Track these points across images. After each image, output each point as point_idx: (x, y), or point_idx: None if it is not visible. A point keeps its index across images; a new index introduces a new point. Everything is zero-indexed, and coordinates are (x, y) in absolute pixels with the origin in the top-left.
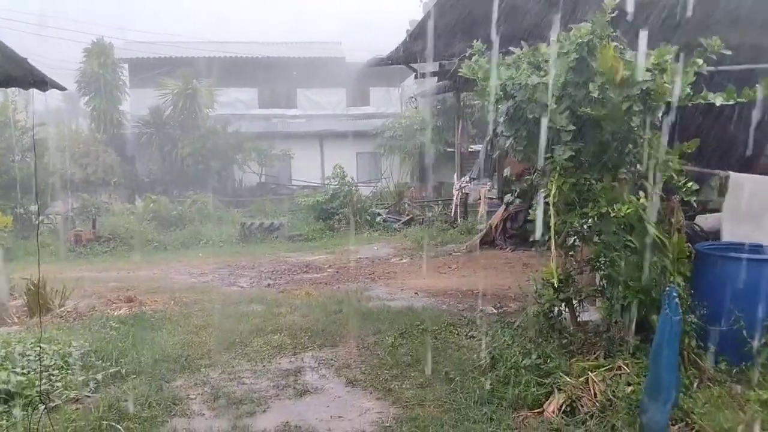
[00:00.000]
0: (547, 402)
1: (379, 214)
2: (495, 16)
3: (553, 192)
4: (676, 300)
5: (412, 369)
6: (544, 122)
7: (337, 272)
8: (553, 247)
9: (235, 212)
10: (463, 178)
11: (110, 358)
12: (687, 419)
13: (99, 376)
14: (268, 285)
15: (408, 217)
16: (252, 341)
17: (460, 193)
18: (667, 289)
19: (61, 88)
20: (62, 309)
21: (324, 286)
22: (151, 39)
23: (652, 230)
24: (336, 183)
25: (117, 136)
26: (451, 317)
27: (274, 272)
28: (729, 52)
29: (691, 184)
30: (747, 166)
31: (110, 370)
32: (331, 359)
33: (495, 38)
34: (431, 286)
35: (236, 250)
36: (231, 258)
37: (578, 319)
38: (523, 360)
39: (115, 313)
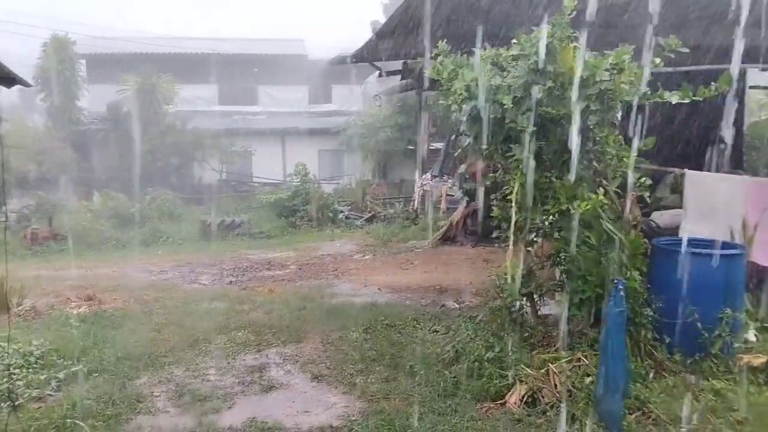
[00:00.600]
0: (510, 393)
1: (341, 212)
2: (459, 17)
3: (515, 189)
4: (621, 293)
5: (377, 363)
6: (506, 122)
7: (299, 269)
8: (511, 243)
9: (195, 210)
10: (424, 176)
11: (72, 357)
12: (644, 408)
13: (61, 375)
14: (230, 282)
15: (370, 214)
16: (215, 338)
17: (421, 191)
18: (615, 282)
19: (27, 85)
20: (20, 308)
21: (287, 283)
22: (112, 35)
23: (606, 226)
24: (298, 180)
25: (74, 133)
26: (414, 312)
27: (236, 269)
28: (686, 50)
29: (644, 179)
30: (699, 163)
31: (72, 369)
32: (296, 355)
33: (458, 38)
34: (394, 282)
35: (197, 248)
36: (191, 256)
37: (539, 313)
38: (485, 353)
39: (75, 312)
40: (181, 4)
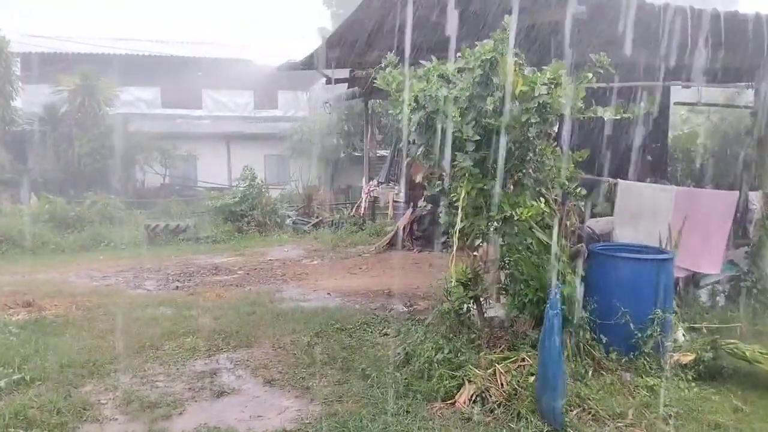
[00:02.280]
0: (459, 393)
1: (288, 217)
2: (406, 29)
3: (461, 196)
4: (557, 297)
5: (328, 367)
6: (452, 132)
7: (247, 274)
8: (454, 248)
9: (138, 214)
10: (371, 182)
11: (12, 365)
12: (583, 405)
13: (2, 383)
14: (177, 287)
15: (317, 220)
16: (163, 344)
17: (368, 196)
18: (552, 287)
19: None
20: None
21: (235, 288)
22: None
23: (538, 235)
24: (245, 184)
25: (9, 134)
26: (364, 316)
27: (182, 275)
28: (613, 70)
29: (580, 189)
30: (629, 173)
31: (13, 377)
32: (247, 360)
33: (406, 49)
34: (343, 287)
35: (140, 253)
36: (135, 260)
37: (485, 315)
38: (435, 355)
39: (13, 318)
40: (125, 6)
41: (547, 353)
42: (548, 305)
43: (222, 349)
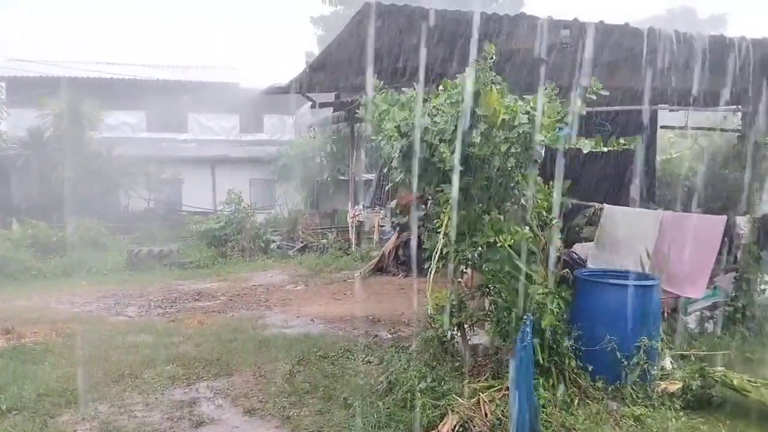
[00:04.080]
0: (442, 423)
1: (273, 241)
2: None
3: (445, 222)
4: (528, 329)
5: (310, 396)
6: (435, 160)
7: (230, 300)
8: (431, 275)
9: (121, 238)
10: (357, 206)
11: None
12: None
13: None
14: (158, 314)
15: (302, 244)
16: (143, 373)
17: (354, 221)
18: (525, 317)
19: None
20: None
21: (217, 315)
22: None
23: (521, 264)
24: (231, 208)
25: None
26: (347, 343)
27: (165, 301)
28: (606, 93)
29: (557, 221)
30: (616, 197)
31: None
32: (228, 389)
33: (390, 74)
34: (327, 313)
35: (123, 278)
36: (117, 286)
37: (469, 343)
38: (418, 383)
39: None
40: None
41: (517, 387)
42: (519, 338)
43: (202, 377)
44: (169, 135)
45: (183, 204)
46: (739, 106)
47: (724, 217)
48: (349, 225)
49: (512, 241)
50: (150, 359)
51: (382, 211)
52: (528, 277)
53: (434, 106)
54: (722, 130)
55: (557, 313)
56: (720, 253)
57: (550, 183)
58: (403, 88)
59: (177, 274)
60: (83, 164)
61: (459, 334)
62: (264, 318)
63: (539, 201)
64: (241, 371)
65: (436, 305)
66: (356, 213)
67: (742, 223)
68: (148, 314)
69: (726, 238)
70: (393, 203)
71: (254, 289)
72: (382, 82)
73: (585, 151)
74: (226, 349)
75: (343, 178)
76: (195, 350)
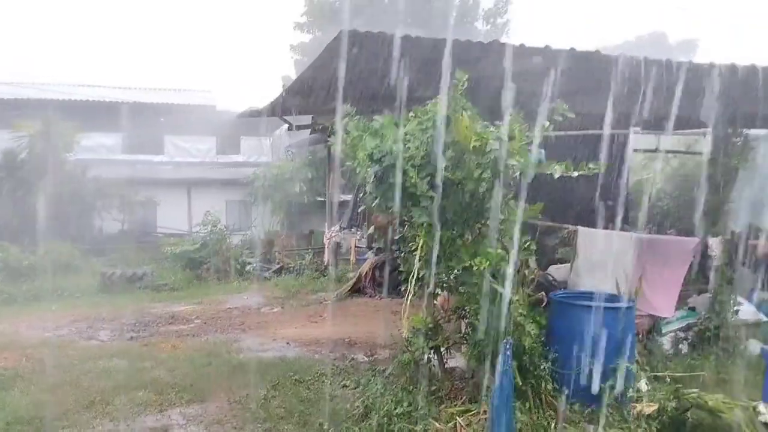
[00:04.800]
0: None
1: (249, 263)
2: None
3: (420, 245)
4: (508, 353)
5: (285, 422)
6: (408, 186)
7: (205, 323)
8: (407, 298)
9: (95, 261)
10: (333, 228)
11: None
12: None
13: None
14: (131, 338)
15: (279, 266)
16: (114, 399)
17: (330, 242)
18: (504, 341)
19: None
20: None
21: (192, 338)
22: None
23: (497, 287)
24: (207, 230)
25: None
26: (323, 367)
27: (138, 324)
28: (573, 115)
29: (530, 244)
30: (590, 219)
31: None
32: (201, 415)
33: (365, 98)
34: (303, 336)
35: (96, 302)
36: (90, 310)
37: (446, 366)
38: (395, 408)
39: None
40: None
41: (496, 411)
42: (498, 362)
43: (175, 403)
44: (145, 157)
45: (158, 226)
46: (709, 130)
47: (696, 239)
48: (326, 246)
49: (487, 264)
50: (122, 385)
51: (358, 233)
52: (504, 299)
53: (406, 132)
54: (693, 153)
55: (534, 335)
56: (693, 274)
57: (524, 206)
58: (375, 116)
59: (151, 297)
60: (57, 186)
61: (435, 358)
62: (239, 341)
63: (513, 224)
64: (215, 397)
65: (413, 328)
66: (333, 234)
67: (714, 245)
68: (120, 338)
69: (698, 260)
70: (371, 229)
71: (229, 311)
72: (354, 108)
73: (556, 176)
74: (199, 374)
75: (320, 199)
76: (168, 375)
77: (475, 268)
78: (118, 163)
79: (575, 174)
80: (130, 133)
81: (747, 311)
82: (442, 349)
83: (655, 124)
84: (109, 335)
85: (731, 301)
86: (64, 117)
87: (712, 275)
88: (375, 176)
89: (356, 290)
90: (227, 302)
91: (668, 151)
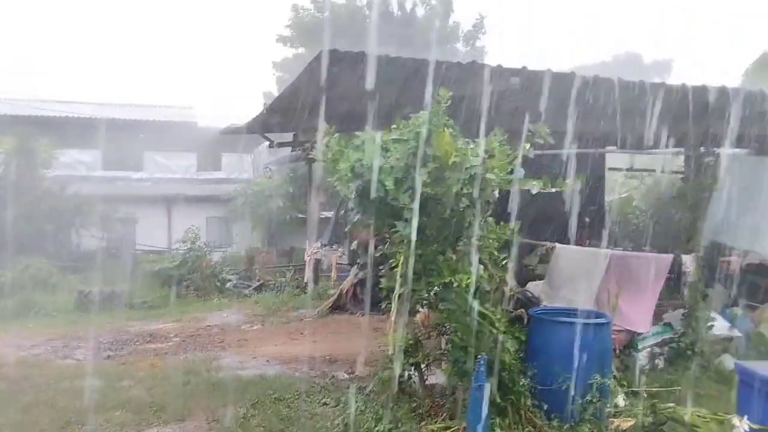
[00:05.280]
0: None
1: (229, 280)
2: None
3: (400, 262)
4: (483, 369)
5: None
6: (390, 200)
7: (184, 341)
8: (393, 315)
9: (72, 279)
10: (315, 244)
11: None
12: None
13: None
14: (108, 357)
15: (259, 283)
16: (90, 419)
17: (312, 259)
18: (479, 357)
19: None
20: None
21: (170, 357)
22: None
23: (476, 305)
24: (187, 247)
25: None
26: (304, 384)
27: (115, 343)
28: (552, 141)
29: (506, 262)
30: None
31: None
32: None
33: (346, 116)
34: (283, 353)
35: (73, 320)
36: (66, 328)
37: (426, 383)
38: (375, 426)
39: None
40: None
41: (471, 427)
42: (473, 378)
43: (152, 423)
44: (124, 173)
45: (137, 243)
46: (682, 149)
47: (670, 256)
48: (307, 263)
49: (468, 280)
50: (98, 405)
51: (340, 249)
52: (484, 316)
53: (386, 141)
54: (666, 172)
55: (513, 351)
56: (668, 290)
57: (503, 223)
58: (356, 132)
59: (129, 315)
60: (35, 203)
61: (416, 374)
62: (218, 359)
63: (491, 241)
64: (194, 416)
65: (395, 345)
66: (314, 251)
67: (688, 262)
68: (97, 357)
69: (673, 277)
70: (354, 244)
71: (209, 329)
72: (335, 126)
73: (534, 192)
74: (178, 392)
75: (301, 216)
76: (146, 394)
77: (455, 284)
78: (96, 180)
79: (553, 190)
80: (110, 150)
81: (721, 326)
82: (422, 366)
83: (630, 144)
84: (86, 354)
85: (705, 317)
86: (42, 133)
87: (686, 291)
88: (357, 191)
89: (337, 307)
90: (207, 320)
91: (643, 170)
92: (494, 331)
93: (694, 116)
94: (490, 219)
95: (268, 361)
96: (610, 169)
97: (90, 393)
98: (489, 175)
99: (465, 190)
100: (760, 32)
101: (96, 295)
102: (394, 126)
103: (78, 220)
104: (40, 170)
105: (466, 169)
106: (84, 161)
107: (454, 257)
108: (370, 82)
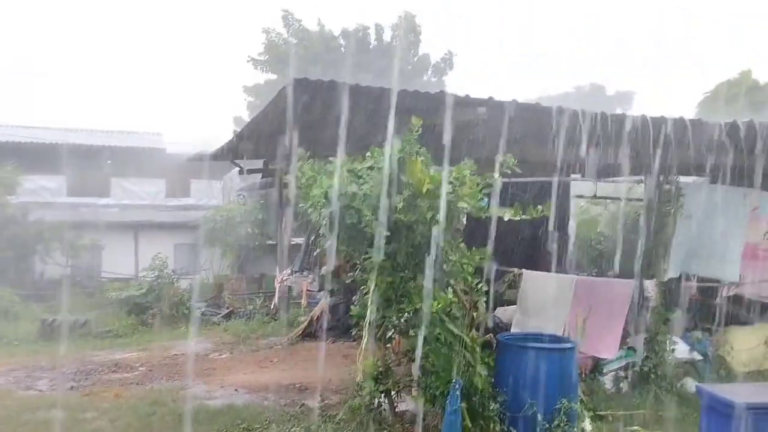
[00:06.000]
0: None
1: (198, 308)
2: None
3: (372, 289)
4: (457, 393)
5: None
6: (362, 226)
7: (150, 371)
8: (363, 342)
9: (35, 307)
10: (285, 271)
11: None
12: None
13: None
14: (72, 387)
15: (228, 310)
16: None
17: (281, 286)
18: (454, 381)
19: None
20: None
21: (136, 387)
22: None
23: (448, 327)
24: (155, 274)
25: None
26: (273, 414)
27: (79, 373)
28: (519, 171)
29: (481, 285)
30: (534, 262)
31: None
32: None
33: (318, 144)
34: (252, 382)
35: (35, 349)
36: (28, 358)
37: (397, 410)
38: None
39: None
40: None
41: None
42: (447, 402)
43: None
44: (90, 200)
45: (103, 270)
46: (642, 178)
47: (633, 282)
48: (277, 290)
49: (439, 306)
50: None
51: (310, 276)
52: (457, 340)
53: (360, 168)
54: (628, 199)
55: (484, 377)
56: (631, 314)
57: (473, 249)
58: (330, 158)
59: (93, 345)
60: None
61: (386, 401)
62: (185, 389)
63: (464, 266)
64: None
65: (364, 372)
66: (284, 278)
67: (650, 287)
68: (60, 388)
69: (636, 301)
70: (324, 269)
71: (176, 358)
72: (308, 152)
73: (506, 219)
74: (144, 424)
75: (271, 242)
76: (110, 426)
77: (425, 310)
78: (61, 206)
79: (526, 217)
80: (75, 176)
81: (682, 350)
82: (393, 393)
83: (594, 172)
84: (49, 384)
85: (667, 341)
86: (5, 159)
87: (648, 316)
88: (330, 217)
89: (308, 334)
90: (174, 348)
91: (606, 197)
92: (467, 355)
93: (654, 145)
94: (462, 245)
95: (236, 390)
96: (575, 196)
97: (53, 425)
98: (461, 203)
99: (439, 216)
100: (718, 65)
101: (60, 323)
102: (368, 153)
103: (42, 248)
104: (3, 196)
105: (439, 196)
106: (48, 187)
107: (425, 283)
108: (339, 110)
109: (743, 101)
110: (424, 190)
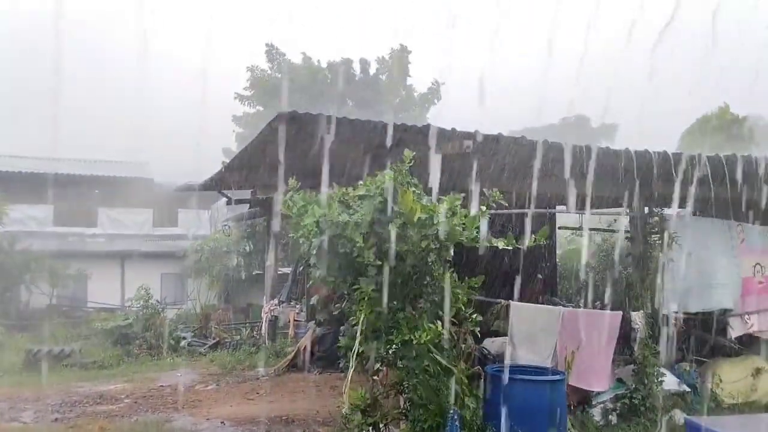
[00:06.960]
0: None
1: (184, 338)
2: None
3: (360, 320)
4: (457, 423)
5: None
6: (353, 256)
7: (135, 402)
8: (350, 373)
9: (19, 337)
10: (272, 301)
11: None
12: None
13: None
14: (56, 419)
15: (215, 341)
16: None
17: (269, 316)
18: (451, 412)
19: None
20: None
21: (120, 419)
22: None
23: (438, 359)
24: (141, 304)
25: None
26: None
27: (64, 404)
28: (505, 204)
29: (475, 315)
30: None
31: None
32: None
33: (307, 175)
34: (239, 414)
35: (19, 380)
36: (12, 389)
37: None
38: None
39: None
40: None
41: None
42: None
43: None
44: (77, 229)
45: (89, 300)
46: (627, 209)
47: (620, 313)
48: (264, 320)
49: (427, 337)
50: None
51: (297, 306)
52: (446, 372)
53: (351, 197)
54: (613, 230)
55: (473, 409)
56: (619, 346)
57: (465, 279)
58: (314, 190)
59: (78, 376)
60: None
61: None
62: (171, 421)
63: (459, 296)
64: None
65: (352, 404)
66: (271, 308)
67: (637, 319)
68: (44, 420)
69: (623, 333)
70: (314, 299)
71: (161, 390)
72: (299, 183)
73: (500, 247)
74: None
75: (258, 272)
76: None
77: (414, 342)
78: (48, 236)
79: (512, 247)
80: (62, 206)
81: (670, 382)
82: (380, 425)
83: (579, 204)
84: (33, 416)
85: (656, 373)
86: None
87: (636, 347)
88: (320, 246)
89: (295, 365)
90: (159, 380)
91: (591, 229)
92: (456, 387)
93: (638, 178)
94: (454, 275)
95: (222, 422)
96: (559, 228)
97: None
98: (457, 228)
99: (432, 246)
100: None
101: (45, 354)
102: (361, 182)
103: (27, 277)
104: None
105: (433, 225)
106: (35, 217)
107: (414, 314)
108: (326, 142)
109: (723, 135)
110: (416, 219)
